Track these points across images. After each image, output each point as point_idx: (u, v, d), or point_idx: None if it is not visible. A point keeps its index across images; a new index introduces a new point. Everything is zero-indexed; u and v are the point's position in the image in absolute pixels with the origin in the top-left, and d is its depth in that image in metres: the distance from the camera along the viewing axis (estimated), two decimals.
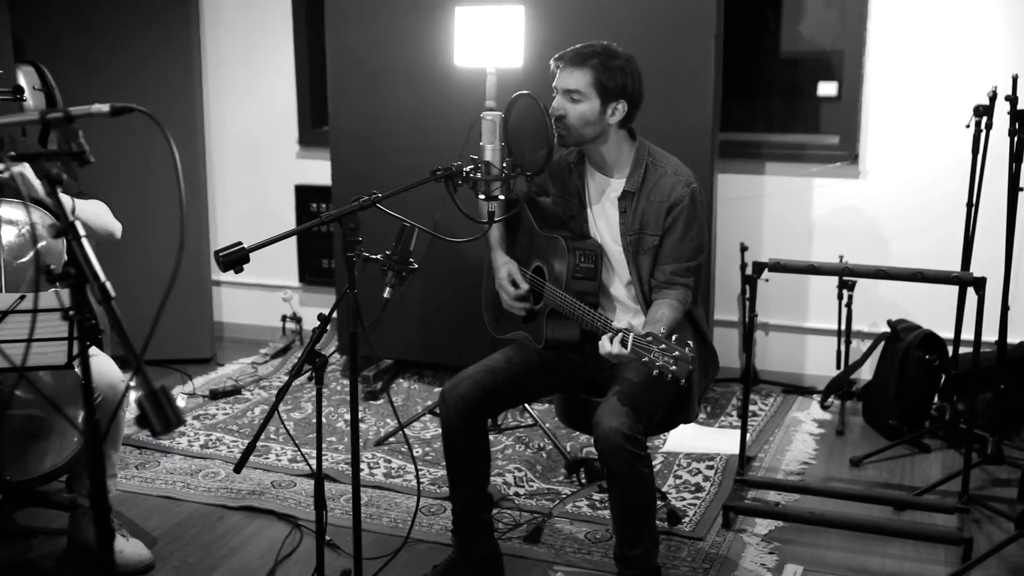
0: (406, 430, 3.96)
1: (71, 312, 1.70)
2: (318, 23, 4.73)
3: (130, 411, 3.55)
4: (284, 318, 5.14)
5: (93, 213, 3.08)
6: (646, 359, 2.37)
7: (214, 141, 5.18)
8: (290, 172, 5.08)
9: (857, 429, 4.06)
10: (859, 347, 4.30)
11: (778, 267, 3.37)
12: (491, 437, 3.84)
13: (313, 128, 5.01)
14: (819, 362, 4.41)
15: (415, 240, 2.54)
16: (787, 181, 4.36)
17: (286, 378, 4.69)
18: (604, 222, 2.80)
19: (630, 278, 2.77)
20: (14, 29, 4.57)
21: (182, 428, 4.03)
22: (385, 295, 2.54)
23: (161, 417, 1.54)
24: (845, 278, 4.09)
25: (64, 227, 1.59)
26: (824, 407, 4.25)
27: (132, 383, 4.33)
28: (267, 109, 5.08)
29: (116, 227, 3.15)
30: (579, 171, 2.84)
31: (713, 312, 4.35)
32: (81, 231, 1.61)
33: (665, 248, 2.72)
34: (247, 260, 2.29)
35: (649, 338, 2.37)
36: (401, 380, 4.54)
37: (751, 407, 4.20)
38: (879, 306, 4.27)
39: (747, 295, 4.36)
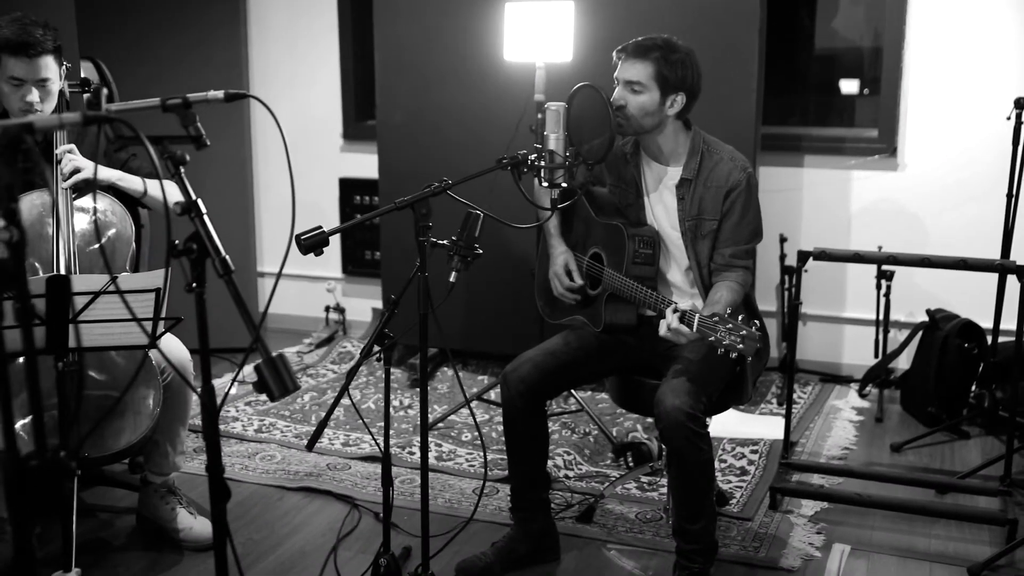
0: (455, 415, 4.06)
1: (194, 285, 1.79)
2: (363, 18, 4.84)
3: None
4: (327, 308, 5.25)
5: (168, 193, 3.16)
6: (712, 338, 2.45)
7: (260, 134, 5.28)
8: (334, 165, 5.18)
9: (896, 416, 4.13)
10: (896, 337, 4.37)
11: (823, 256, 3.45)
12: None
13: (357, 122, 5.11)
14: (857, 351, 4.49)
15: (480, 227, 2.64)
16: (826, 173, 4.43)
17: (332, 366, 4.88)
18: (662, 209, 2.89)
19: (688, 263, 2.86)
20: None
21: (235, 413, 4.14)
22: (451, 279, 2.63)
23: (279, 382, 1.65)
24: (884, 268, 4.17)
25: (188, 204, 1.69)
26: (862, 395, 4.32)
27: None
28: (311, 103, 5.18)
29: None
30: (635, 161, 2.92)
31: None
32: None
33: (724, 232, 2.81)
34: (327, 243, 2.39)
35: (715, 318, 2.46)
36: (445, 368, 4.64)
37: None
38: (917, 296, 4.34)
39: (787, 285, 4.43)
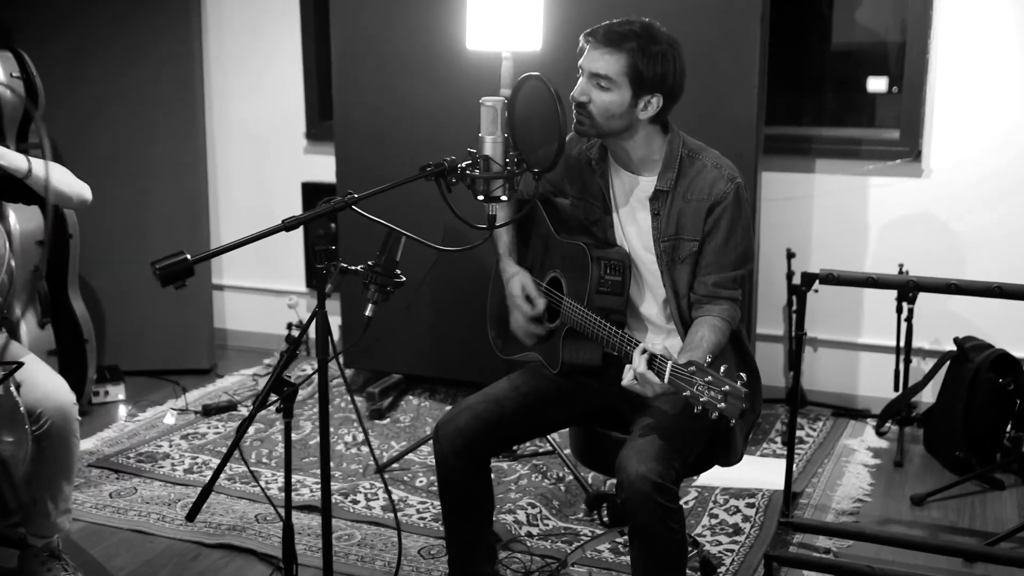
0: (413, 454, 3.57)
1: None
2: (327, 7, 4.37)
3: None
4: (290, 326, 4.77)
5: (64, 183, 2.70)
6: (687, 393, 1.97)
7: (217, 134, 4.82)
8: (297, 168, 4.71)
9: (917, 460, 3.61)
10: (920, 366, 3.84)
11: (831, 279, 2.94)
12: (504, 465, 3.47)
13: (322, 121, 4.64)
14: (874, 382, 3.96)
15: (402, 249, 2.17)
16: (840, 180, 3.91)
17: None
18: (633, 227, 2.39)
19: (665, 293, 2.36)
20: (3, 16, 4.27)
21: (167, 449, 3.68)
22: (367, 313, 2.17)
23: None
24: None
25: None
26: (880, 433, 3.80)
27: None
28: (272, 100, 4.72)
29: (86, 190, 2.77)
30: (601, 169, 2.43)
31: (755, 325, 3.92)
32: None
33: (706, 255, 2.32)
34: (191, 273, 1.91)
35: (691, 368, 1.97)
36: (410, 397, 4.15)
37: (797, 432, 3.76)
38: (943, 321, 3.80)
39: (794, 307, 3.92)
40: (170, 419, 3.97)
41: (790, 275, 3.90)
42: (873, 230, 3.90)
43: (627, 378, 2.09)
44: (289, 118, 4.70)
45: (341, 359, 4.36)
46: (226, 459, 2.16)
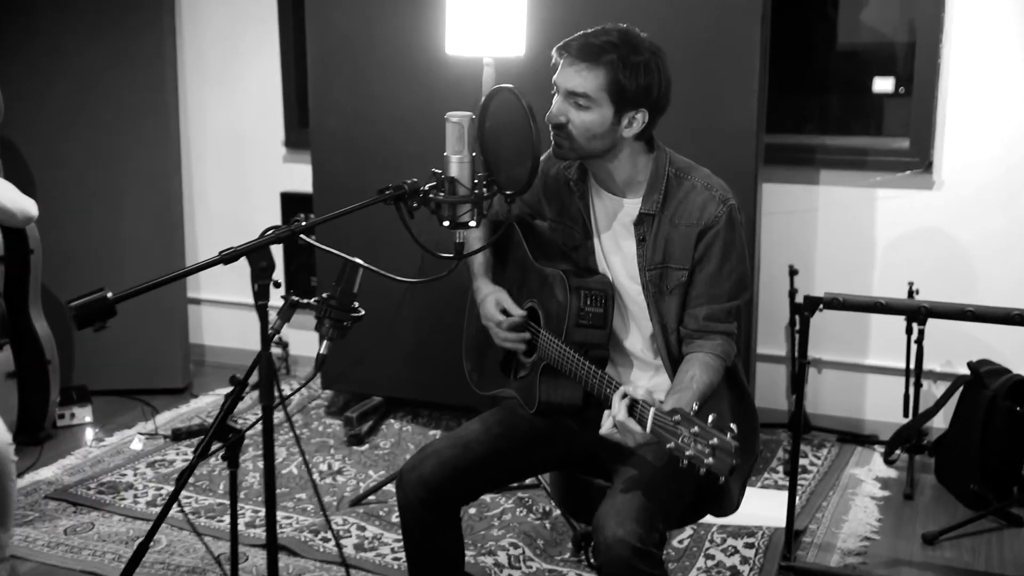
0: (392, 485, 3.35)
1: None
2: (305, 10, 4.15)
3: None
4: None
5: (7, 197, 2.51)
6: (671, 445, 1.75)
7: (193, 142, 4.61)
8: (275, 177, 4.49)
9: (929, 492, 3.38)
10: (931, 390, 3.62)
11: (835, 304, 2.72)
12: (488, 498, 3.25)
13: (301, 128, 4.42)
14: (882, 406, 3.74)
15: (360, 280, 1.96)
16: (845, 192, 3.69)
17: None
18: (617, 254, 2.17)
19: (651, 326, 2.14)
20: None
21: (131, 478, 3.46)
22: (321, 350, 1.98)
23: None
24: None
25: None
26: (889, 462, 3.57)
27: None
28: (251, 107, 4.51)
29: (32, 206, 2.58)
30: (581, 190, 2.21)
31: (756, 345, 3.70)
32: None
33: (697, 285, 2.10)
34: (111, 313, 1.70)
35: (676, 417, 1.75)
36: (392, 421, 3.93)
37: (800, 460, 3.54)
38: (956, 342, 3.58)
39: (797, 327, 3.69)
40: (137, 444, 3.76)
41: (793, 293, 3.68)
42: (881, 245, 3.67)
43: (606, 426, 1.87)
44: (267, 125, 4.48)
45: (308, 388, 4.14)
46: (159, 521, 1.96)
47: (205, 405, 4.20)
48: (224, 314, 4.71)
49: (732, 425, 1.67)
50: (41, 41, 4.11)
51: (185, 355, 4.42)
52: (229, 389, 4.35)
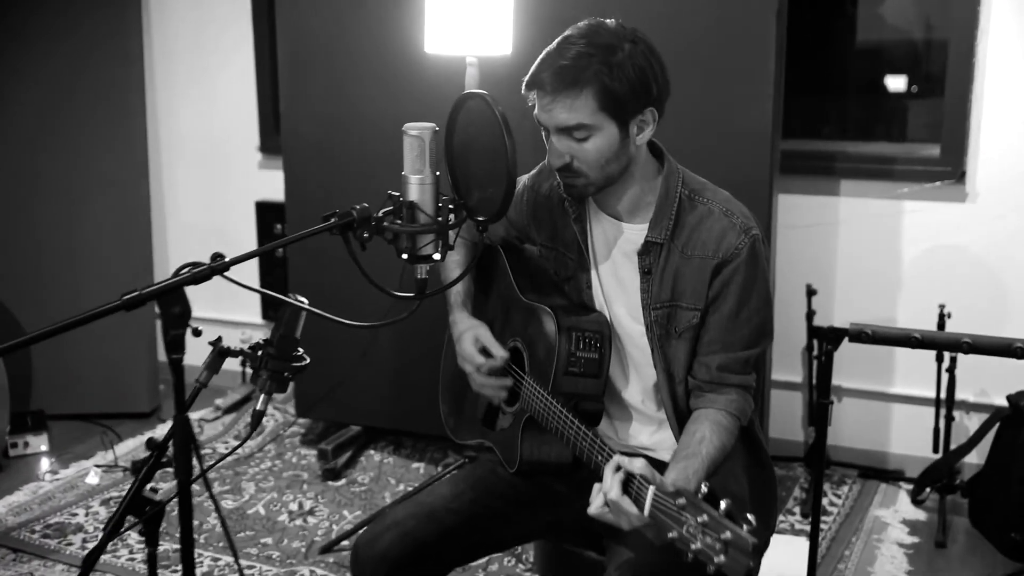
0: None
1: None
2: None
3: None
4: (244, 362, 4.23)
5: None
6: (673, 535, 1.43)
7: (163, 148, 4.30)
8: (250, 185, 4.18)
9: (963, 539, 3.05)
10: (963, 422, 3.29)
11: (863, 337, 2.38)
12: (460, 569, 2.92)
13: (277, 133, 4.08)
14: (909, 439, 3.41)
15: (302, 324, 1.65)
16: (869, 204, 3.35)
17: (233, 442, 3.86)
18: (617, 288, 1.85)
19: (656, 375, 1.82)
20: None
21: (81, 518, 3.15)
22: (259, 406, 1.68)
23: None
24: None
25: None
26: (917, 502, 3.24)
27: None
28: (225, 110, 4.19)
29: None
30: (577, 212, 1.88)
31: (770, 372, 3.36)
32: None
33: (710, 329, 1.78)
34: None
35: (680, 500, 1.42)
36: (372, 452, 3.60)
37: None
38: (992, 370, 3.24)
39: (815, 352, 3.37)
40: (93, 478, 3.44)
41: (810, 315, 3.35)
42: (908, 263, 3.34)
43: (595, 504, 1.55)
44: (242, 130, 4.17)
45: (284, 413, 3.82)
46: None
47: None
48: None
49: (750, 516, 1.35)
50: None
51: (152, 376, 4.10)
52: (200, 413, 4.00)
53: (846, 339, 2.39)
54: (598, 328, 1.83)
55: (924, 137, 3.50)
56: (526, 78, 1.74)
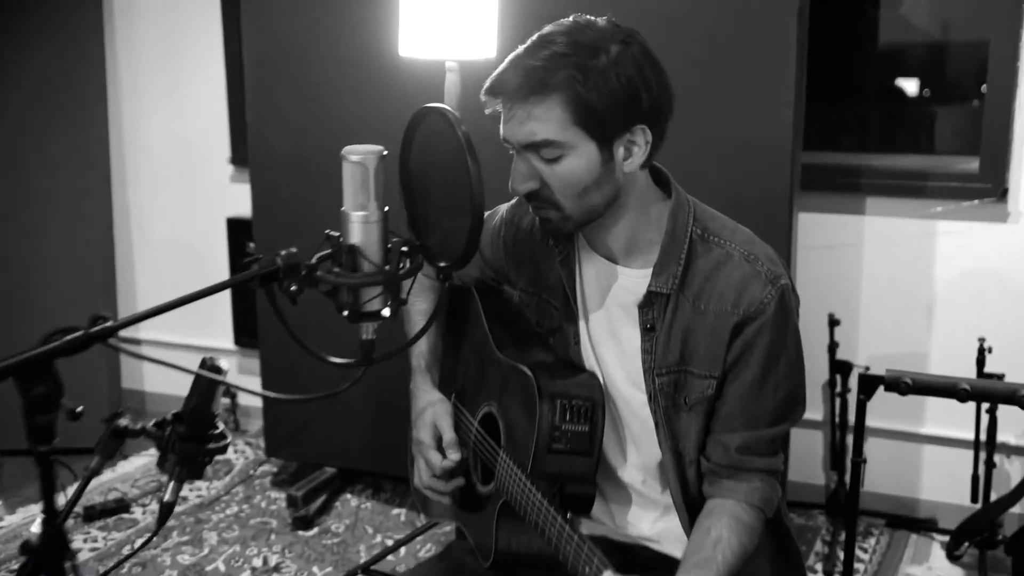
0: None
1: None
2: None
3: None
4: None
5: None
6: None
7: (129, 160, 3.99)
8: (221, 200, 3.86)
9: None
10: (1005, 467, 2.96)
11: (901, 387, 2.06)
12: None
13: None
14: (942, 485, 3.08)
15: (219, 399, 1.34)
16: (898, 224, 3.02)
17: (200, 483, 3.51)
18: (612, 346, 1.53)
19: (661, 452, 1.49)
20: None
21: None
22: (166, 496, 1.36)
23: None
24: (989, 372, 2.78)
25: None
26: (954, 557, 2.90)
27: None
28: (194, 119, 3.88)
29: None
30: (564, 252, 1.55)
31: None
32: None
33: (729, 401, 1.45)
34: None
35: None
36: (348, 496, 3.28)
37: (841, 551, 2.88)
38: None
39: (837, 388, 3.04)
40: (38, 527, 3.11)
41: (833, 347, 3.02)
42: (941, 290, 3.00)
43: None
44: (212, 141, 3.85)
45: (255, 451, 3.50)
46: None
47: (135, 469, 3.56)
48: (168, 356, 4.05)
49: None
50: None
51: (115, 406, 3.78)
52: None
53: (882, 387, 2.09)
54: (588, 394, 1.49)
55: (959, 149, 3.16)
56: (487, 82, 1.41)
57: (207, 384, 1.31)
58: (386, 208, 1.26)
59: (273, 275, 1.23)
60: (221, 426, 1.35)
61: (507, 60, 1.41)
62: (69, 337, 1.16)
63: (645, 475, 1.54)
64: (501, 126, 1.41)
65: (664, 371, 1.46)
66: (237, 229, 3.81)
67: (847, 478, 3.06)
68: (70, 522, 3.10)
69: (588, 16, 1.41)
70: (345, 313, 1.28)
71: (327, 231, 1.29)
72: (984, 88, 2.91)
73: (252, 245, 3.79)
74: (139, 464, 3.59)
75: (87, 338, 1.16)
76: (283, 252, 1.23)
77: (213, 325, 3.94)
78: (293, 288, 1.24)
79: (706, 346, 1.43)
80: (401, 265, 1.27)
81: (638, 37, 1.39)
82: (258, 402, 3.90)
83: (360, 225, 1.25)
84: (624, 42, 1.37)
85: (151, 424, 1.36)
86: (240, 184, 3.80)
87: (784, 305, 1.42)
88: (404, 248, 1.29)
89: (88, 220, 3.70)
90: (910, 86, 3.50)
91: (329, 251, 1.27)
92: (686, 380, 1.45)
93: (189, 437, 1.32)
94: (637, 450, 1.53)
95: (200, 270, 3.92)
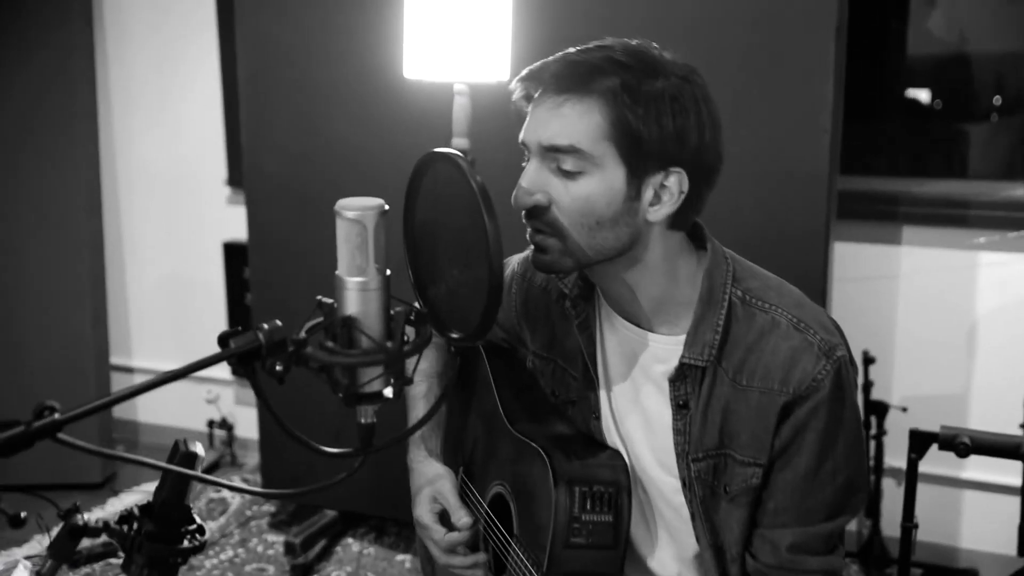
0: None
1: None
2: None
3: None
4: (211, 424, 3.74)
5: None
6: None
7: (121, 180, 3.82)
8: (217, 224, 3.69)
9: None
10: None
11: (959, 448, 1.86)
12: None
13: None
14: (984, 533, 2.89)
15: (193, 495, 1.15)
16: (937, 256, 2.84)
17: (197, 520, 3.36)
18: (640, 424, 1.34)
19: (698, 545, 1.30)
20: None
21: None
22: None
23: None
24: None
25: None
26: None
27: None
28: (189, 139, 3.71)
29: None
30: (583, 314, 1.36)
31: None
32: None
33: (778, 492, 1.26)
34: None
35: None
36: (349, 541, 3.09)
37: None
38: None
39: (872, 430, 2.85)
40: (22, 574, 2.93)
41: (868, 386, 2.83)
42: (984, 326, 2.81)
43: None
44: (208, 161, 3.68)
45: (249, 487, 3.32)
46: None
47: (128, 505, 3.35)
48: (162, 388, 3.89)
49: None
50: None
51: (105, 440, 3.60)
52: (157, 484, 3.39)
53: (936, 445, 1.90)
54: (612, 477, 1.30)
55: (1003, 174, 2.97)
56: (523, 72, 1.23)
57: (174, 481, 1.13)
58: (388, 272, 1.07)
59: (255, 353, 1.04)
60: (198, 520, 1.17)
61: (556, 56, 1.23)
62: (7, 434, 0.96)
63: (681, 566, 1.35)
64: (526, 124, 1.23)
65: (701, 456, 1.27)
66: (233, 254, 3.63)
67: (882, 525, 2.87)
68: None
69: (655, 45, 1.24)
70: (341, 396, 1.09)
71: (318, 297, 1.10)
72: None
73: (248, 271, 3.62)
74: (132, 500, 3.41)
75: (29, 435, 0.97)
76: (265, 326, 1.05)
77: (208, 352, 3.76)
78: (279, 368, 1.05)
79: (750, 429, 1.24)
80: (405, 339, 1.08)
81: (699, 78, 1.21)
82: (255, 434, 3.72)
83: (358, 293, 1.06)
84: (686, 78, 1.19)
85: (115, 520, 1.17)
86: (237, 206, 3.63)
87: (841, 382, 1.23)
88: (411, 317, 1.10)
89: (77, 243, 3.53)
90: (946, 105, 3.31)
91: (319, 319, 1.09)
92: (727, 466, 1.26)
93: (158, 536, 1.13)
94: (671, 539, 1.34)
95: (194, 297, 3.74)
